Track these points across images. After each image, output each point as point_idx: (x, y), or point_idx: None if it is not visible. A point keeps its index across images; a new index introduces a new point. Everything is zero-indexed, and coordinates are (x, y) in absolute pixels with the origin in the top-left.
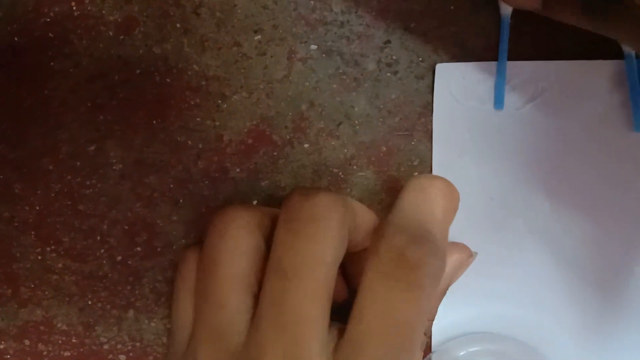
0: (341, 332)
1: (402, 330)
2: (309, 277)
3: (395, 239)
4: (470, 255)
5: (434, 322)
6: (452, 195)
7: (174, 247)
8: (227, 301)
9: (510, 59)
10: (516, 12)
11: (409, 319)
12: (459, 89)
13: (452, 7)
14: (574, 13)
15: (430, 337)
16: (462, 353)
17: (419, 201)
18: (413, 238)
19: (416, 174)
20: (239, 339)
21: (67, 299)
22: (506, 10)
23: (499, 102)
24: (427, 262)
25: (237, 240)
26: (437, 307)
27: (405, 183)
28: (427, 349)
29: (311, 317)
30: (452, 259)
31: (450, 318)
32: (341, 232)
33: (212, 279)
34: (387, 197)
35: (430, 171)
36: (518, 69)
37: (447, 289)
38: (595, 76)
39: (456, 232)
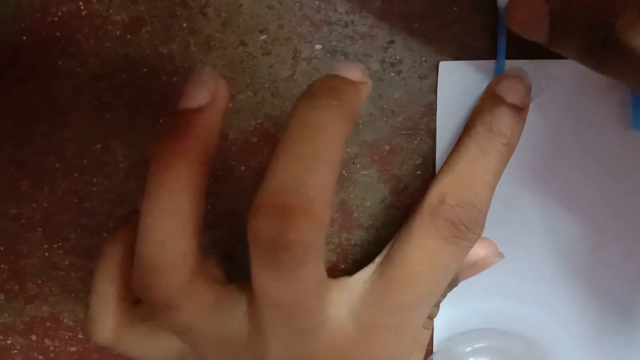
0: (376, 277)
1: (442, 276)
2: (308, 305)
3: (454, 209)
4: (495, 255)
5: (434, 324)
6: (509, 155)
7: None
8: None
9: (512, 58)
10: None
11: (449, 268)
12: (462, 88)
13: (455, 8)
14: (577, 54)
15: (431, 336)
16: (467, 349)
17: (477, 170)
18: (468, 210)
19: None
20: None
21: (73, 295)
22: (502, 2)
23: None
24: (474, 230)
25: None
26: (445, 296)
27: (466, 136)
28: (429, 352)
29: (319, 321)
30: (474, 253)
31: (453, 315)
32: (324, 251)
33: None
34: (390, 195)
35: (434, 170)
36: (518, 68)
37: (460, 282)
38: (595, 75)
39: None
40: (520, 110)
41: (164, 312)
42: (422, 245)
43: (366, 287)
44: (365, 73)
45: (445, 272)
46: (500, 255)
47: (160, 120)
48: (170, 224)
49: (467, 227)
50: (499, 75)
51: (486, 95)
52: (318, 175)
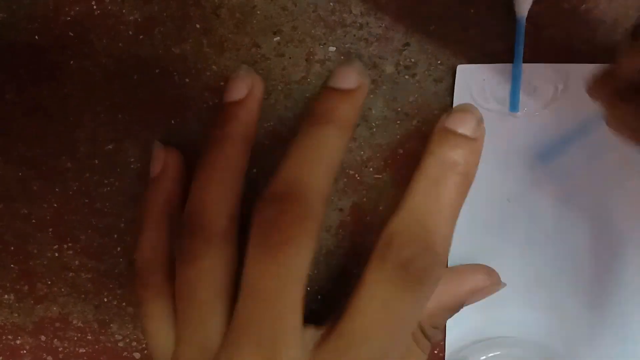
0: (327, 331)
1: (397, 328)
2: (285, 295)
3: (404, 251)
4: (497, 283)
5: (447, 333)
6: (466, 186)
7: None
8: (207, 321)
9: (529, 61)
10: (533, 16)
11: (405, 318)
12: (479, 91)
13: (471, 11)
14: None
15: (444, 344)
16: (481, 358)
17: (428, 202)
18: (421, 251)
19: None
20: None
21: (82, 296)
22: (521, 12)
23: (513, 105)
24: (430, 273)
25: (206, 265)
26: (446, 320)
27: (417, 171)
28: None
29: (289, 329)
30: (474, 279)
31: (467, 323)
32: (313, 245)
33: (191, 304)
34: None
35: None
36: (536, 71)
37: (461, 307)
38: None
39: (473, 234)
40: (472, 141)
41: (207, 241)
42: (372, 295)
43: (320, 341)
44: (361, 73)
45: (402, 323)
46: (503, 285)
47: (173, 121)
48: (214, 192)
49: (420, 270)
50: (516, 79)
51: (436, 130)
52: (315, 175)
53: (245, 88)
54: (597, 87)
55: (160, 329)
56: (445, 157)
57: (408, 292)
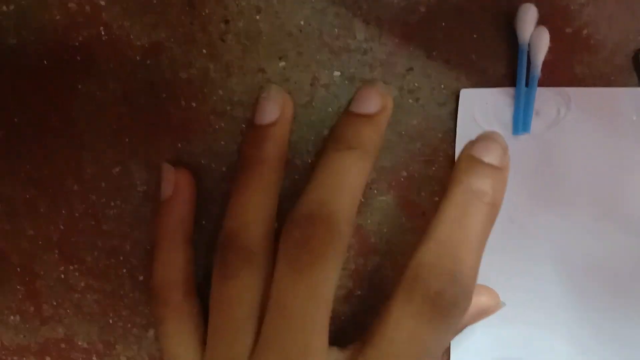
0: (353, 356)
1: (424, 358)
2: (312, 315)
3: (432, 284)
4: (497, 303)
5: (451, 353)
6: (494, 215)
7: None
8: (239, 337)
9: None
10: (535, 40)
11: (431, 348)
12: (482, 115)
13: (474, 36)
14: None
15: None
16: None
17: (456, 233)
18: (449, 284)
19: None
20: None
21: (88, 317)
22: (523, 38)
23: (516, 128)
24: (458, 306)
25: (245, 282)
26: (449, 341)
27: (444, 200)
28: None
29: (315, 349)
30: (478, 301)
31: (469, 344)
32: (339, 266)
33: (226, 319)
34: (407, 221)
35: None
36: (539, 95)
37: (464, 328)
38: (614, 103)
39: None
40: (499, 170)
41: (248, 260)
42: (399, 325)
43: None
44: (383, 94)
45: (428, 354)
46: (502, 305)
47: (179, 144)
48: (253, 213)
49: (448, 303)
50: (518, 102)
51: (462, 157)
52: (341, 199)
53: (277, 109)
54: None
55: (181, 348)
56: (473, 186)
57: (435, 325)
